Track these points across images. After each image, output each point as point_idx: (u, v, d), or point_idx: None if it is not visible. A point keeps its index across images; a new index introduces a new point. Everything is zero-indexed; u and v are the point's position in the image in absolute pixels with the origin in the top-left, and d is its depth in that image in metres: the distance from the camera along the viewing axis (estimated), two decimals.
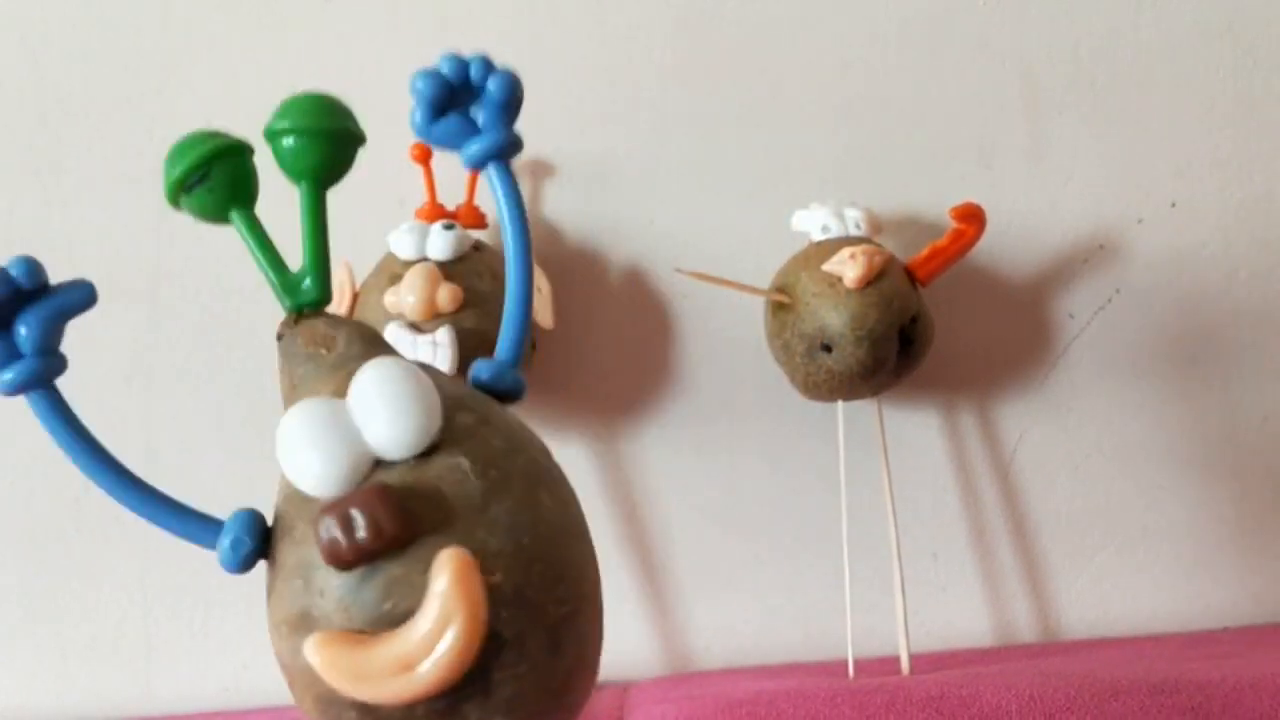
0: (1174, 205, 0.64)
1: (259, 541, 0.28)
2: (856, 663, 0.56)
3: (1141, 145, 0.64)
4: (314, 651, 0.25)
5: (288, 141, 0.30)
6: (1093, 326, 0.63)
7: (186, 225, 0.61)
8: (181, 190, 0.29)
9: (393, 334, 0.51)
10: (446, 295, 0.52)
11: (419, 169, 0.57)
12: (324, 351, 0.29)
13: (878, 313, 0.53)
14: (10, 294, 0.27)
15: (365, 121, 0.61)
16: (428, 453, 0.26)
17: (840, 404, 0.57)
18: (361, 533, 0.25)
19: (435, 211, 0.56)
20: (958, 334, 0.62)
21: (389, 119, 0.62)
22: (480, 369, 0.29)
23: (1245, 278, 0.64)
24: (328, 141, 0.30)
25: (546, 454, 0.28)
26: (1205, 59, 0.64)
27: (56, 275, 0.61)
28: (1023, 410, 0.63)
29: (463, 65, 0.30)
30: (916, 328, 0.56)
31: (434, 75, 0.30)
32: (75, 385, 0.60)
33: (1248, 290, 0.64)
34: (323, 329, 0.29)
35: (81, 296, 0.28)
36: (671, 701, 0.49)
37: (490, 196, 0.59)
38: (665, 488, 0.61)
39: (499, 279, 0.54)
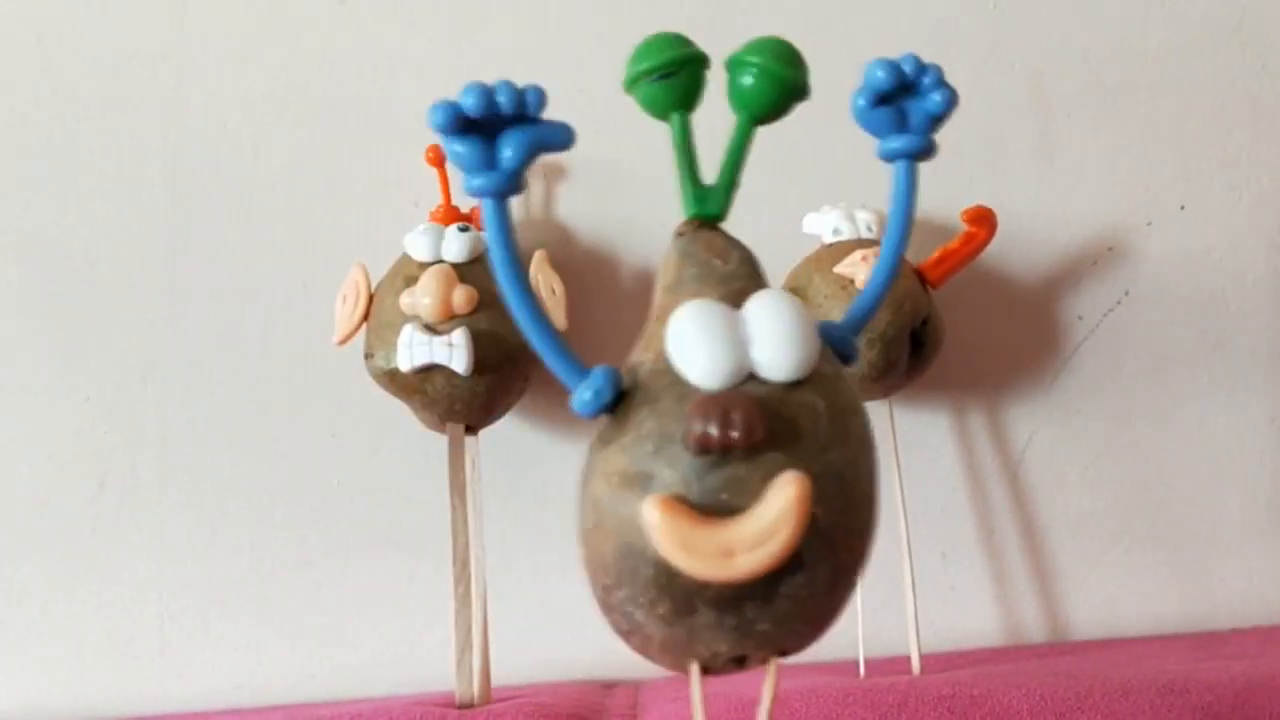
0: (1183, 208, 0.64)
1: (614, 398, 0.30)
2: (867, 662, 0.56)
3: (1151, 147, 0.64)
4: (656, 508, 0.27)
5: (748, 77, 0.32)
6: (1102, 328, 0.63)
7: (202, 224, 0.61)
8: (644, 78, 0.32)
9: (408, 335, 0.52)
10: (462, 297, 0.52)
11: (434, 171, 0.57)
12: (718, 262, 0.31)
13: (889, 315, 0.54)
14: (499, 113, 0.29)
15: (380, 123, 0.62)
16: (793, 385, 0.29)
17: None
18: (735, 431, 0.27)
19: (450, 214, 0.57)
20: (968, 336, 0.63)
21: (403, 120, 0.63)
22: (832, 327, 0.32)
23: (1254, 280, 0.64)
24: (783, 89, 0.33)
25: (870, 425, 0.31)
26: (1214, 62, 0.65)
27: (71, 277, 0.62)
28: (1032, 411, 0.63)
29: (919, 69, 0.33)
30: (927, 330, 0.56)
31: (894, 69, 0.33)
32: (92, 381, 0.61)
33: (1256, 292, 0.64)
34: (720, 242, 0.32)
35: (562, 137, 0.30)
36: (684, 700, 0.50)
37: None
38: None
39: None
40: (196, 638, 0.61)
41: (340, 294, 0.55)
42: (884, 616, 0.59)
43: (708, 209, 0.32)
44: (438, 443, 0.55)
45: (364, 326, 0.54)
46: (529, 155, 0.29)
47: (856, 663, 0.56)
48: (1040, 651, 0.60)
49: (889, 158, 0.34)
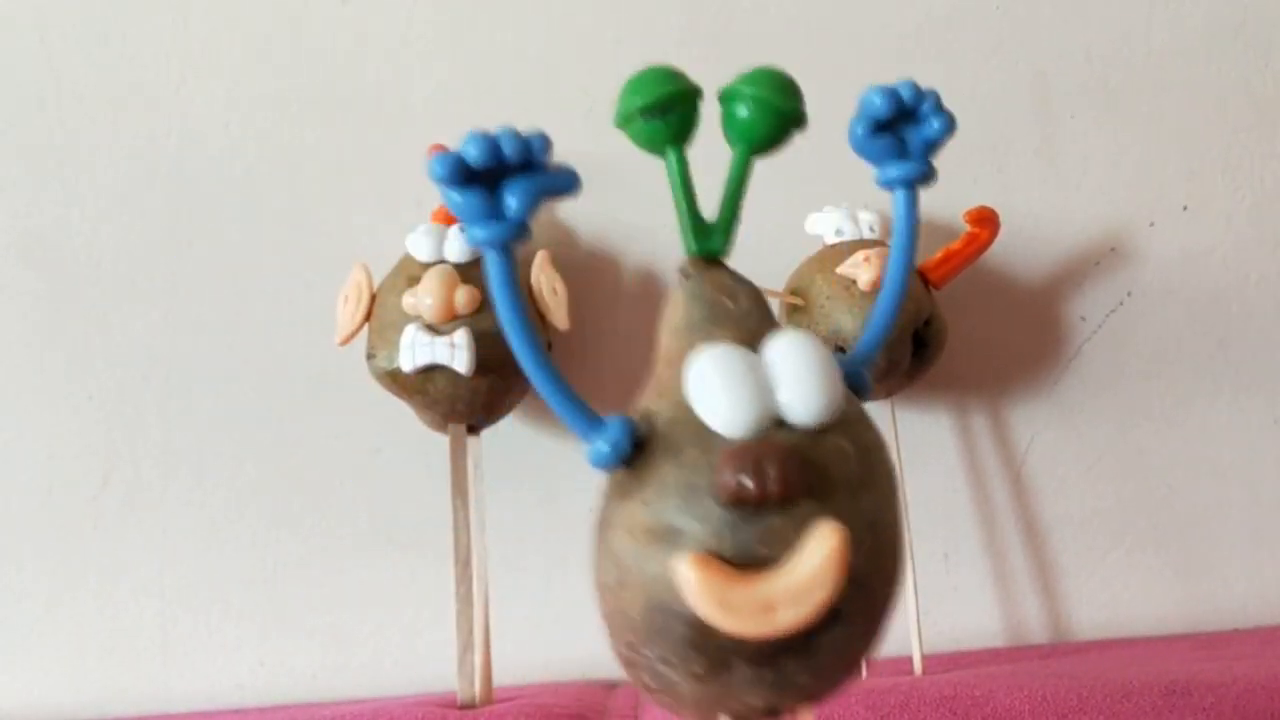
0: (1186, 208, 0.64)
1: (633, 448, 0.29)
2: (869, 662, 0.56)
3: (1153, 148, 0.64)
4: (693, 567, 0.27)
5: (744, 109, 0.32)
6: (1105, 329, 0.63)
7: (205, 224, 0.62)
8: (637, 116, 0.31)
9: (410, 335, 0.52)
10: (464, 297, 0.52)
11: None
12: (728, 303, 0.30)
13: None
14: (504, 162, 0.28)
15: (382, 123, 0.62)
16: (821, 430, 0.28)
17: None
18: (771, 484, 0.27)
19: (451, 215, 0.57)
20: (970, 336, 0.63)
21: (406, 121, 0.63)
22: (845, 362, 0.31)
23: (1257, 280, 0.64)
24: (781, 120, 0.32)
25: (892, 461, 0.30)
26: (1217, 62, 0.65)
27: (73, 277, 0.62)
28: (1035, 412, 0.63)
29: (917, 95, 0.33)
30: (930, 330, 0.56)
31: (892, 96, 0.32)
32: (94, 379, 0.61)
33: (1259, 292, 0.64)
34: (728, 281, 0.31)
35: (567, 182, 0.29)
36: None
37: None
38: None
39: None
40: (199, 637, 0.61)
41: (342, 294, 0.55)
42: None
43: (711, 245, 0.32)
44: (439, 443, 0.55)
45: (366, 327, 0.54)
46: (534, 204, 0.28)
47: None
48: (1042, 652, 0.60)
49: (889, 186, 0.33)
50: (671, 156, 0.32)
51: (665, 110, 0.31)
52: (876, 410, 0.58)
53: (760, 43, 0.62)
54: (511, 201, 0.28)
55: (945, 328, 0.57)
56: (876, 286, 0.54)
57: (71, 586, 0.61)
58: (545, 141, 0.28)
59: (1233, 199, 0.64)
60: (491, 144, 0.28)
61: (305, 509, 0.61)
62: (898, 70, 0.62)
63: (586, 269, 0.62)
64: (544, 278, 0.55)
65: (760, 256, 0.61)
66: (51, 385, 0.61)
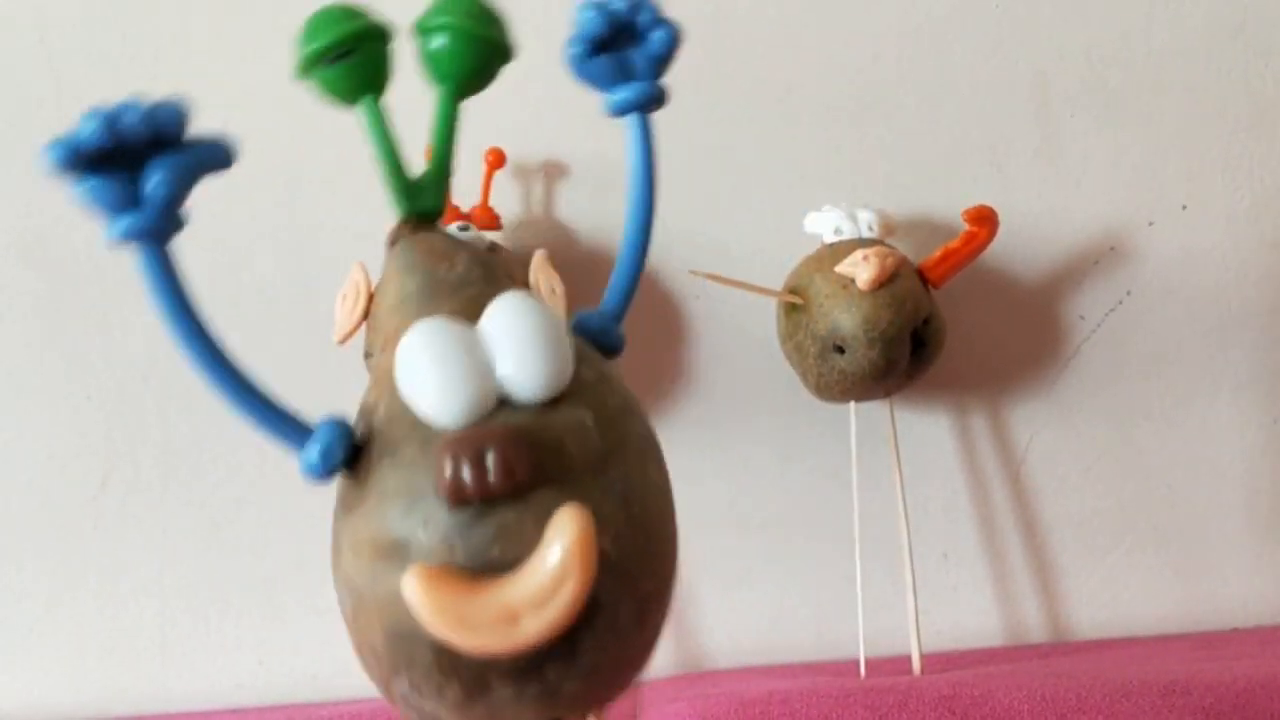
0: (1185, 207, 0.64)
1: (348, 454, 0.26)
2: (868, 662, 0.56)
3: (1153, 147, 0.64)
4: (416, 586, 0.23)
5: (440, 39, 0.28)
6: (1104, 328, 0.63)
7: (203, 223, 0.61)
8: (317, 63, 0.27)
9: None
10: None
11: None
12: (444, 268, 0.27)
13: (890, 314, 0.54)
14: (147, 136, 0.24)
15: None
16: (553, 403, 0.25)
17: (852, 405, 0.58)
18: (493, 475, 0.23)
19: (450, 213, 0.57)
20: (969, 335, 0.62)
21: (403, 118, 0.62)
22: (588, 319, 0.28)
23: (1255, 279, 0.64)
24: (482, 49, 0.28)
25: (647, 421, 0.27)
26: (1217, 62, 0.64)
27: (74, 276, 0.62)
28: (1034, 411, 0.63)
29: (633, 7, 0.29)
30: (929, 329, 0.56)
31: (604, 11, 0.28)
32: (95, 380, 0.61)
33: (1258, 292, 0.64)
34: (442, 245, 0.27)
35: (219, 156, 0.25)
36: (685, 700, 0.50)
37: (502, 198, 0.60)
38: (677, 488, 0.61)
39: (514, 281, 0.55)
40: (198, 637, 0.61)
41: (341, 293, 0.55)
42: (885, 617, 0.59)
43: (422, 204, 0.28)
44: None
45: (364, 325, 0.54)
46: (180, 184, 0.24)
47: (857, 663, 0.56)
48: (1041, 652, 0.60)
49: (618, 112, 0.29)
50: (365, 106, 0.28)
51: (346, 53, 0.27)
52: (875, 409, 0.58)
53: (757, 44, 0.62)
54: (150, 185, 0.24)
55: (944, 327, 0.57)
56: (876, 285, 0.54)
57: (71, 586, 0.61)
58: (176, 111, 0.25)
59: (1232, 198, 0.64)
60: (108, 121, 0.24)
61: (304, 509, 0.61)
62: (898, 72, 0.63)
63: (585, 268, 0.62)
64: (542, 278, 0.55)
65: (759, 256, 0.61)
66: (51, 385, 0.61)
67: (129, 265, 0.63)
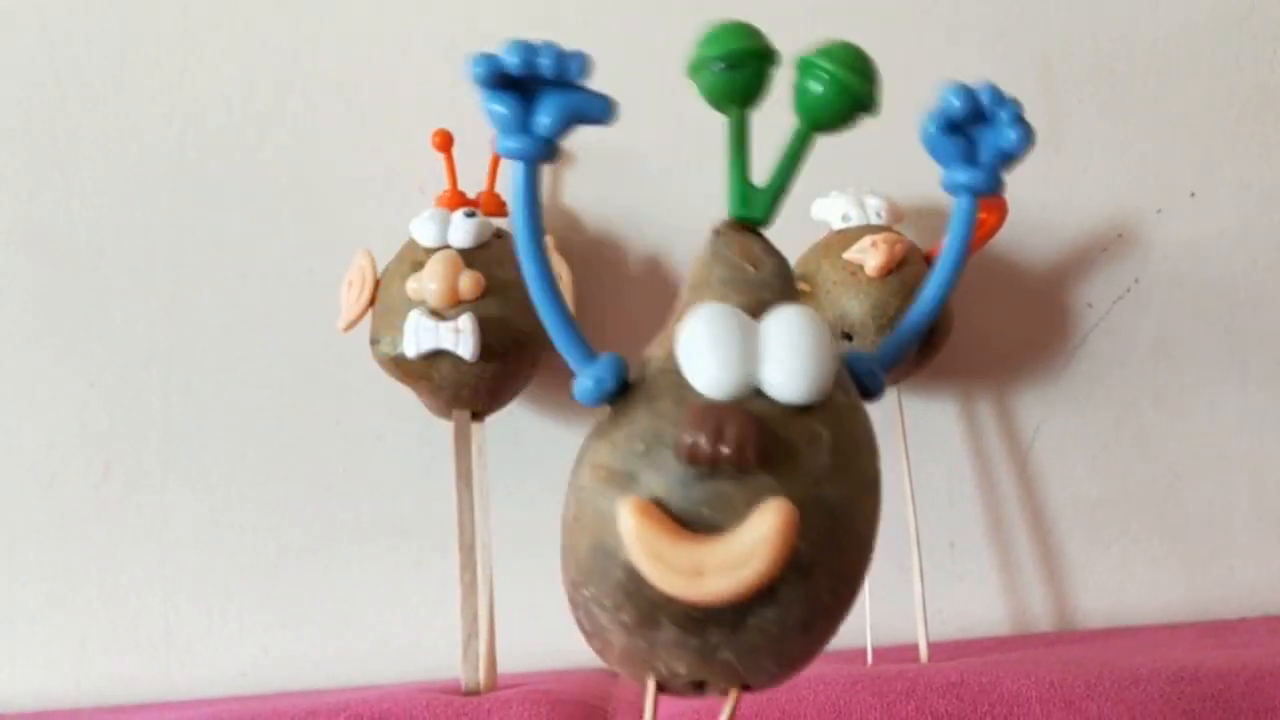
0: (1193, 195, 0.64)
1: (617, 389, 0.29)
2: (875, 650, 0.56)
3: (1160, 135, 0.64)
4: (632, 512, 0.26)
5: (818, 84, 0.31)
6: (1111, 316, 0.63)
7: (207, 211, 0.61)
8: (708, 66, 0.30)
9: (414, 321, 0.51)
10: (468, 282, 0.52)
11: (440, 156, 0.57)
12: (750, 268, 0.30)
13: (898, 301, 0.53)
14: (539, 75, 0.28)
15: (386, 108, 0.62)
16: (800, 410, 0.28)
17: None
18: (726, 447, 0.26)
19: (457, 199, 0.56)
20: (976, 323, 0.62)
21: (409, 105, 0.62)
22: (860, 358, 0.30)
23: (1264, 267, 0.64)
24: (852, 102, 0.31)
25: (879, 466, 0.30)
26: (1224, 48, 0.64)
27: (75, 264, 0.61)
28: (1041, 399, 0.63)
29: (995, 99, 0.32)
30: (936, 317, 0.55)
31: (969, 96, 0.32)
32: (97, 368, 0.60)
33: (1266, 279, 0.64)
34: (756, 248, 0.31)
35: (601, 107, 0.29)
36: None
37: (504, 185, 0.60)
38: None
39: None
40: (201, 626, 0.61)
41: (346, 280, 0.55)
42: (892, 604, 0.59)
43: (751, 212, 0.31)
44: (444, 429, 0.55)
45: (370, 312, 0.54)
46: (566, 123, 0.28)
47: (864, 650, 0.56)
48: (1048, 640, 0.60)
49: (953, 191, 0.32)
50: (734, 114, 0.31)
51: (737, 65, 0.31)
52: (882, 398, 0.58)
53: (763, 30, 0.62)
54: (544, 117, 0.28)
55: (951, 314, 0.57)
56: (884, 272, 0.53)
57: (74, 576, 0.60)
58: (584, 60, 0.28)
59: (1240, 186, 0.64)
60: (530, 52, 0.28)
61: (308, 496, 0.61)
62: (905, 58, 0.62)
63: (592, 255, 0.62)
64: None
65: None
66: (53, 375, 0.61)
67: (130, 254, 0.64)
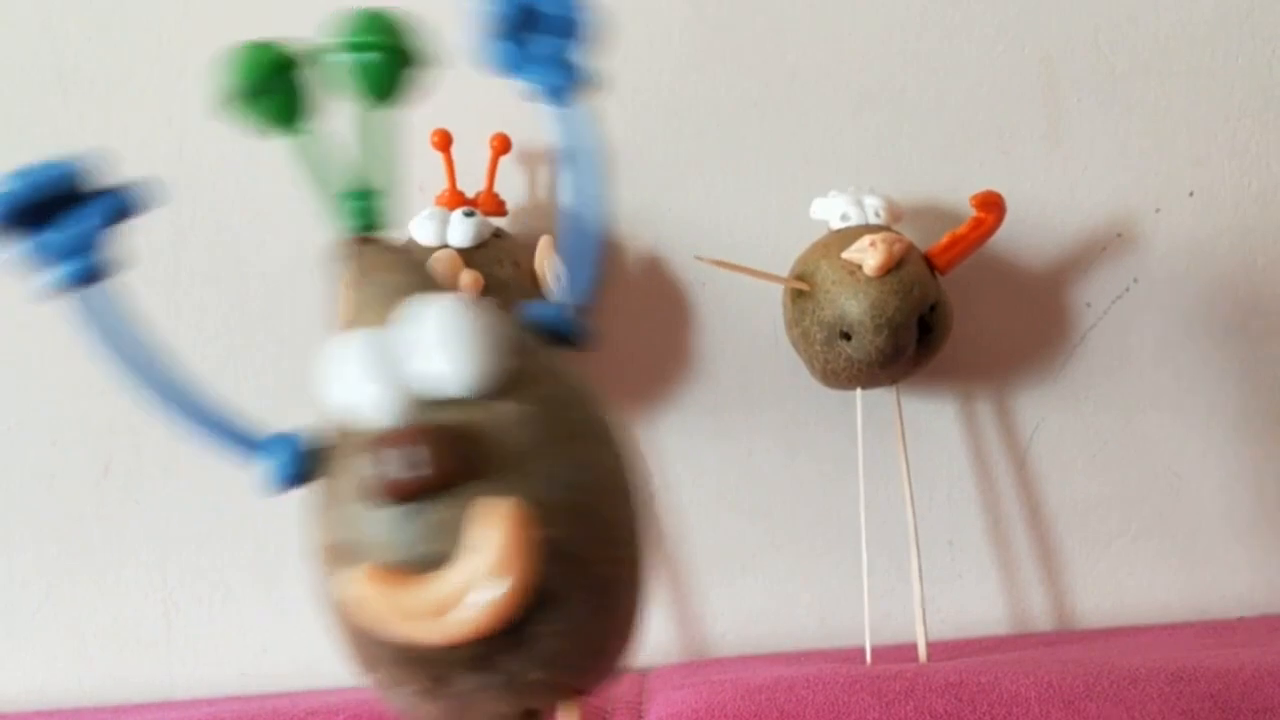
0: (1192, 194, 0.64)
1: (304, 465, 0.27)
2: (874, 650, 0.56)
3: (1160, 134, 0.64)
4: (358, 586, 0.24)
5: (360, 60, 0.29)
6: (1110, 315, 0.63)
7: (207, 206, 0.61)
8: (239, 102, 0.28)
9: None
10: (467, 281, 0.52)
11: (439, 156, 0.57)
12: (386, 279, 0.28)
13: (897, 300, 0.53)
14: (53, 194, 0.26)
15: None
16: (486, 396, 0.25)
17: (859, 392, 0.57)
18: (422, 469, 0.24)
19: (455, 198, 0.57)
20: (976, 322, 0.62)
21: (409, 105, 0.62)
22: (540, 310, 0.28)
23: (1263, 266, 0.64)
24: (389, 58, 0.29)
25: (606, 407, 0.27)
26: (1224, 47, 0.64)
27: None
28: (1040, 398, 0.63)
29: None
30: (935, 315, 0.56)
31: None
32: (98, 366, 0.60)
33: (1265, 278, 0.64)
34: (388, 257, 0.29)
35: (124, 202, 0.27)
36: (690, 687, 0.50)
37: (507, 183, 0.60)
38: (683, 475, 0.61)
39: (519, 266, 0.55)
40: (202, 624, 0.61)
41: (345, 280, 0.55)
42: (891, 604, 0.59)
43: (366, 221, 0.29)
44: None
45: None
46: (95, 235, 0.26)
47: (863, 650, 0.56)
48: (1047, 639, 0.60)
49: (541, 99, 0.29)
50: (290, 138, 0.28)
51: (264, 90, 0.28)
52: (882, 397, 0.58)
53: (763, 28, 0.62)
54: (72, 237, 0.26)
55: (951, 313, 0.57)
56: (883, 271, 0.53)
57: (74, 573, 0.60)
58: (77, 170, 0.26)
59: (1239, 185, 0.64)
60: (34, 175, 0.26)
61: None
62: (904, 57, 0.62)
63: None
64: (547, 262, 0.55)
65: (765, 242, 0.61)
66: (53, 371, 0.61)
67: (129, 251, 0.63)
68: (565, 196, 0.29)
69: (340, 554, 0.25)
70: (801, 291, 0.56)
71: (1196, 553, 0.63)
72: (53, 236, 0.26)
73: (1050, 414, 0.63)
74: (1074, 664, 0.48)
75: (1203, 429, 0.63)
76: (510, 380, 0.25)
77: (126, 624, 0.60)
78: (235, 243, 0.61)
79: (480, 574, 0.24)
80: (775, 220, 0.61)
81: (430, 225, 0.54)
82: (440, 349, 0.25)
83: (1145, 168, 0.64)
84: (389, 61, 0.28)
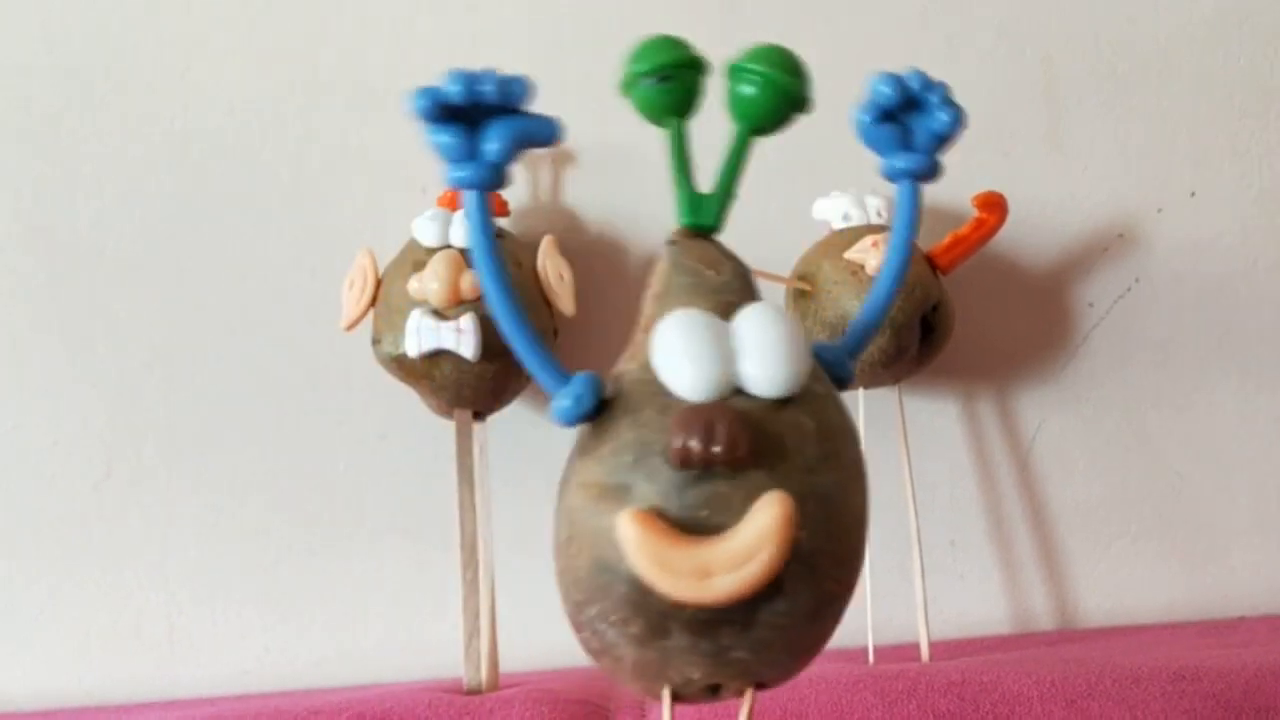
0: (1193, 194, 0.64)
1: (595, 407, 0.29)
2: (876, 649, 0.56)
3: (1161, 135, 0.64)
4: (632, 523, 0.27)
5: (749, 86, 0.31)
6: (1112, 315, 0.63)
7: (209, 210, 0.61)
8: (641, 80, 0.31)
9: (416, 320, 0.51)
10: (470, 282, 0.52)
11: None
12: (710, 273, 0.30)
13: (899, 300, 0.53)
14: (483, 102, 0.28)
15: (387, 107, 0.62)
16: (781, 403, 0.28)
17: (861, 392, 0.57)
18: (718, 446, 0.27)
19: (458, 199, 0.56)
20: (978, 322, 0.62)
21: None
22: (828, 348, 0.31)
23: (1264, 266, 0.64)
24: (785, 99, 0.31)
25: (860, 451, 0.30)
26: (1225, 48, 0.64)
27: (77, 264, 0.61)
28: (1042, 399, 0.63)
29: (924, 83, 0.32)
30: (937, 315, 0.56)
31: (897, 82, 0.32)
32: (101, 368, 0.60)
33: (1266, 279, 0.64)
34: (713, 253, 0.31)
35: (548, 131, 0.29)
36: None
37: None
38: None
39: (521, 266, 0.55)
40: (204, 624, 0.61)
41: (348, 279, 0.55)
42: (893, 604, 0.59)
43: (702, 219, 0.31)
44: (445, 428, 0.55)
45: (371, 312, 0.54)
46: (514, 148, 0.29)
47: (866, 650, 0.56)
48: (1049, 639, 0.60)
49: (892, 177, 0.33)
50: (671, 126, 0.31)
51: (667, 77, 0.31)
52: (883, 396, 0.58)
53: (764, 28, 0.62)
54: (491, 144, 0.28)
55: (953, 313, 0.57)
56: None
57: (76, 575, 0.60)
58: (525, 85, 0.28)
59: (1240, 185, 0.64)
60: (471, 81, 0.28)
61: (310, 495, 0.61)
62: (904, 55, 0.62)
63: (593, 254, 0.62)
64: (550, 263, 0.55)
65: (767, 241, 0.61)
66: (55, 373, 0.61)
67: (132, 253, 0.64)
68: (884, 261, 0.32)
69: (612, 492, 0.28)
70: (803, 291, 0.56)
71: (1198, 552, 0.63)
72: (472, 141, 0.28)
73: (1052, 414, 0.63)
74: (1076, 663, 0.48)
75: (1205, 428, 0.63)
76: (801, 394, 0.28)
77: (129, 624, 0.60)
78: (238, 242, 0.61)
79: (745, 550, 0.26)
80: (777, 220, 0.61)
81: (433, 226, 0.54)
82: (760, 350, 0.28)
83: (1146, 168, 0.64)
84: (779, 99, 0.31)
